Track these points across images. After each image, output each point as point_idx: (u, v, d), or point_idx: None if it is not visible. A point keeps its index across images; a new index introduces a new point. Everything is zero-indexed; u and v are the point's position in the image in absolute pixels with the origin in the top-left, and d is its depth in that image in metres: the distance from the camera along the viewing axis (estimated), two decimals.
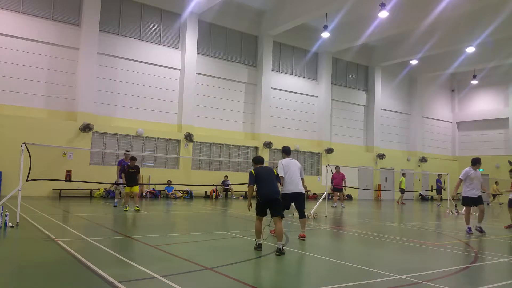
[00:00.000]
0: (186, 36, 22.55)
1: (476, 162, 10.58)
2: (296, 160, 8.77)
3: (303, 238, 8.29)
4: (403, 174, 23.53)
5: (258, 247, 7.00)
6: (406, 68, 32.78)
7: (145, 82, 21.78)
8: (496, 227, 12.56)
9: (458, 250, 8.06)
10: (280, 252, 6.66)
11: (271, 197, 7.01)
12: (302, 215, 8.57)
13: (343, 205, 19.33)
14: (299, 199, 8.48)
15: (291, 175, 8.35)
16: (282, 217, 7.12)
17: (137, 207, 13.28)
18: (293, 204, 9.11)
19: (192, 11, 22.49)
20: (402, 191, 23.08)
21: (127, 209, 13.09)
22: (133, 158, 13.47)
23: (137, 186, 13.56)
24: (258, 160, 7.59)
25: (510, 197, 11.78)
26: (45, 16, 19.35)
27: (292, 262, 6.46)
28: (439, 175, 23.85)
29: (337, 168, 18.98)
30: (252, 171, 7.23)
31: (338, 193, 19.23)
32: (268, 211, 7.06)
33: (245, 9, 24.59)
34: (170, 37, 22.83)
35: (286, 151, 8.86)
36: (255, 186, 7.10)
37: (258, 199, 7.09)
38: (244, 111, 25.28)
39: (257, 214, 7.13)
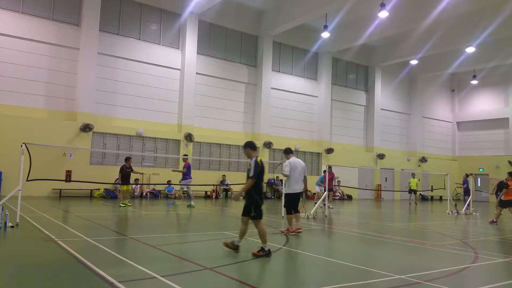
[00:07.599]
0: (186, 36, 22.54)
1: None
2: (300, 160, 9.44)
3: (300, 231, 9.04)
4: (412, 175, 23.13)
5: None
6: (406, 68, 32.76)
7: (145, 82, 21.77)
8: (498, 227, 12.55)
9: (458, 250, 8.06)
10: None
11: None
12: (296, 210, 9.41)
13: (330, 206, 17.66)
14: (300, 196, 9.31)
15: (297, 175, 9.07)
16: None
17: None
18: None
19: (192, 11, 22.48)
20: (410, 191, 22.85)
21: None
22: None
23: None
24: None
25: None
26: (45, 16, 19.34)
27: (292, 262, 6.46)
28: (466, 174, 20.24)
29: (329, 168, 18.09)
30: None
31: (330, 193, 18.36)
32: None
33: (245, 9, 24.58)
34: (170, 37, 22.82)
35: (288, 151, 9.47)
36: None
37: None
38: (244, 111, 25.27)
39: None
